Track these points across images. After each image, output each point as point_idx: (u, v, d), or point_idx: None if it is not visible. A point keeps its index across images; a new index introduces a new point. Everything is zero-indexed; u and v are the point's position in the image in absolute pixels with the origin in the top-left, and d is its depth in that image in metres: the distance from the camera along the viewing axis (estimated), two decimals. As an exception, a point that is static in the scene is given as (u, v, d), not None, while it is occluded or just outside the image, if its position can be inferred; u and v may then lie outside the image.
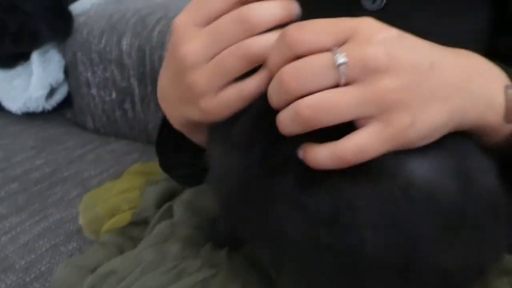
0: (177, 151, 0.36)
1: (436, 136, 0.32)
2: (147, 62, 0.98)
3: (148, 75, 0.99)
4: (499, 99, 0.35)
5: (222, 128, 0.36)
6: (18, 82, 1.05)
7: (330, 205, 0.31)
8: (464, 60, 0.35)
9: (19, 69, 1.07)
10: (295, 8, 0.34)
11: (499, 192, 0.34)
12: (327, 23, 0.31)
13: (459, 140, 0.35)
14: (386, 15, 0.45)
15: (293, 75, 0.30)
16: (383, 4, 0.45)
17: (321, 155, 0.30)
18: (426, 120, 0.31)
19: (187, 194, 0.56)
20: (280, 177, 0.33)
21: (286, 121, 0.31)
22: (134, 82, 1.01)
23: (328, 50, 0.30)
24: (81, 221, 0.67)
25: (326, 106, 0.29)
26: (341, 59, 0.29)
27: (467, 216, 0.33)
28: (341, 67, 0.29)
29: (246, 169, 0.34)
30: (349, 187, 0.31)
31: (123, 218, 0.61)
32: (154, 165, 0.66)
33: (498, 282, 0.41)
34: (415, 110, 0.30)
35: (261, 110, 0.34)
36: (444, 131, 0.32)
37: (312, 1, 0.52)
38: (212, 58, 0.34)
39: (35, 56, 1.04)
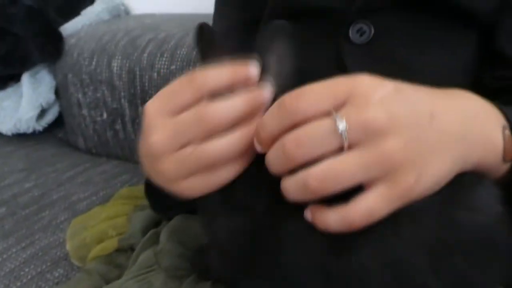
0: (166, 195, 0.36)
1: (442, 184, 0.32)
2: (138, 83, 0.98)
3: (139, 96, 0.99)
4: (498, 140, 0.35)
5: (219, 191, 0.35)
6: (8, 104, 1.06)
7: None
8: (461, 104, 0.35)
9: (9, 91, 1.07)
10: (263, 98, 0.33)
11: (496, 226, 0.34)
12: (324, 88, 0.31)
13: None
14: (372, 49, 0.46)
15: (295, 143, 0.30)
16: (370, 38, 0.46)
17: (331, 219, 0.30)
18: (431, 173, 0.31)
19: (173, 221, 0.56)
20: (285, 231, 0.33)
21: (293, 190, 0.31)
22: (124, 103, 1.02)
23: (327, 114, 0.30)
24: (68, 247, 0.66)
25: (333, 176, 0.29)
26: (341, 124, 0.29)
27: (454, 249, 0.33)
28: (343, 132, 0.29)
29: (252, 227, 0.35)
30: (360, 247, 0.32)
31: (110, 244, 0.60)
32: (143, 189, 0.65)
33: None
34: (420, 166, 0.30)
35: (258, 173, 0.34)
36: (448, 179, 0.32)
37: (301, 35, 0.52)
38: (178, 149, 0.33)
39: (25, 78, 1.05)
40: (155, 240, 0.54)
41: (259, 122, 0.32)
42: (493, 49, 0.47)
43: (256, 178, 0.35)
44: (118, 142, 1.06)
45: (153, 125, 0.34)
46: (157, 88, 0.95)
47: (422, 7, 0.45)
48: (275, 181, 0.32)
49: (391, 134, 0.29)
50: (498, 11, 0.45)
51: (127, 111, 1.01)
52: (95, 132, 1.08)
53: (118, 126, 1.04)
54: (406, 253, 0.32)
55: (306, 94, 0.30)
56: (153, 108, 0.35)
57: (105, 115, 1.05)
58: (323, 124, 0.30)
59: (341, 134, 0.29)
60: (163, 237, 0.52)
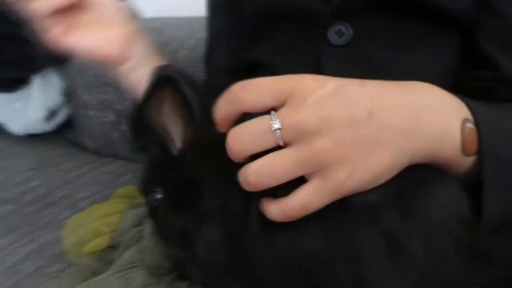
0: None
1: (382, 179, 0.33)
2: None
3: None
4: (455, 133, 0.35)
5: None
6: (19, 105, 1.09)
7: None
8: (413, 98, 0.35)
9: (20, 93, 1.11)
10: None
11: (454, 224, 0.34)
12: (269, 83, 0.33)
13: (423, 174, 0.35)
14: (350, 51, 0.46)
15: (236, 140, 0.32)
16: (348, 40, 0.46)
17: (272, 210, 0.33)
18: (365, 170, 0.32)
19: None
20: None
21: (242, 184, 0.33)
22: (130, 105, 1.04)
23: (268, 109, 0.32)
24: (65, 244, 0.69)
25: (267, 171, 0.31)
26: (276, 124, 0.31)
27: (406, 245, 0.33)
28: (277, 131, 0.31)
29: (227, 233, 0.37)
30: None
31: (103, 241, 0.62)
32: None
33: None
34: (352, 163, 0.31)
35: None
36: (390, 174, 0.33)
37: (281, 37, 0.53)
38: None
39: (34, 81, 1.08)
40: (140, 238, 0.55)
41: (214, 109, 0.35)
42: (472, 50, 0.46)
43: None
44: (124, 143, 1.08)
45: None
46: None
47: (401, 10, 0.45)
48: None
49: (321, 134, 0.31)
50: (476, 11, 0.45)
51: (132, 112, 1.04)
52: (102, 133, 1.10)
53: (124, 127, 1.06)
54: (364, 243, 0.33)
55: (251, 86, 0.33)
56: None
57: (111, 116, 1.07)
58: (260, 123, 0.32)
59: (275, 133, 0.31)
60: (147, 233, 0.54)
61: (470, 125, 0.36)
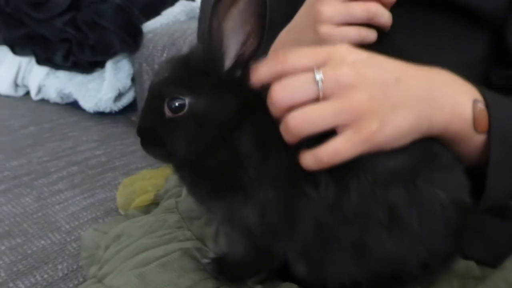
0: None
1: (406, 139, 0.37)
2: (198, 74, 1.11)
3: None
4: (467, 110, 0.40)
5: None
6: (93, 86, 1.24)
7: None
8: (431, 75, 0.40)
9: (95, 75, 1.25)
10: None
11: (451, 204, 0.39)
12: (309, 49, 0.38)
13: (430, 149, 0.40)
14: (381, 39, 0.50)
15: (280, 89, 0.37)
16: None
17: (307, 158, 0.37)
18: (393, 125, 0.36)
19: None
20: None
21: (282, 132, 0.37)
22: (186, 92, 1.15)
23: (309, 70, 0.37)
24: (117, 200, 0.79)
25: (308, 119, 0.36)
26: (318, 76, 0.36)
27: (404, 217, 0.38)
28: (319, 83, 0.36)
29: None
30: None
31: (147, 197, 0.72)
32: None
33: (448, 284, 0.45)
34: (383, 117, 0.36)
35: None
36: (413, 135, 0.38)
37: None
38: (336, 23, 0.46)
39: (108, 65, 1.22)
40: (179, 194, 0.64)
41: (257, 67, 0.39)
42: (501, 48, 0.48)
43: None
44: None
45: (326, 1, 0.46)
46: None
47: (432, 5, 0.49)
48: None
49: (357, 88, 0.36)
50: (507, 9, 0.47)
51: (187, 99, 1.14)
52: (161, 116, 1.22)
53: (179, 112, 1.17)
54: (372, 209, 0.38)
55: (295, 51, 0.38)
56: None
57: (169, 101, 1.18)
58: (304, 75, 0.36)
59: (317, 84, 0.36)
60: (184, 191, 0.62)
61: (481, 105, 0.40)
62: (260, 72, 0.38)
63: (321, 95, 0.36)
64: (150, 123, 0.42)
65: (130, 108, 1.29)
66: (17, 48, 1.35)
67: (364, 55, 0.38)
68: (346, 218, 0.38)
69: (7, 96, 1.39)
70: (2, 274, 0.65)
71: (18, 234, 0.74)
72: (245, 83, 0.39)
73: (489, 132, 0.40)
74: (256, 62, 0.39)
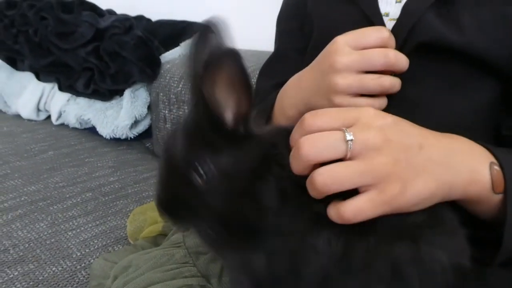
0: None
1: (425, 204, 0.38)
2: (212, 105, 1.14)
3: (212, 117, 1.14)
4: (485, 174, 0.41)
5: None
6: (111, 113, 1.28)
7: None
8: (449, 141, 0.42)
9: (113, 102, 1.30)
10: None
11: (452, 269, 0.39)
12: (337, 111, 0.40)
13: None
14: (393, 98, 0.51)
15: (309, 144, 0.37)
16: None
17: (331, 211, 0.38)
18: (415, 190, 0.38)
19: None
20: None
21: (308, 187, 0.38)
22: (200, 122, 1.18)
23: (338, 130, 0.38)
24: (127, 229, 0.82)
25: (334, 176, 0.37)
26: (349, 136, 0.37)
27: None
28: (349, 142, 0.37)
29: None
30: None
31: (156, 228, 0.74)
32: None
33: None
34: (405, 182, 0.37)
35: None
36: (433, 200, 0.39)
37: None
38: (358, 72, 0.47)
39: (126, 93, 1.27)
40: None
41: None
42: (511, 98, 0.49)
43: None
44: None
45: (341, 50, 0.47)
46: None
47: (440, 54, 0.49)
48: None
49: (383, 152, 0.37)
50: None
51: (201, 129, 1.17)
52: (175, 144, 1.25)
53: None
54: (373, 258, 0.38)
55: (323, 114, 0.39)
56: (344, 39, 0.48)
57: (183, 131, 1.22)
58: (334, 134, 0.38)
59: (347, 144, 0.37)
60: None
61: (496, 167, 0.41)
62: (291, 140, 0.40)
63: (348, 155, 0.37)
64: (180, 196, 0.40)
65: (145, 134, 1.33)
66: (41, 75, 1.41)
67: (389, 119, 0.40)
68: (350, 270, 0.39)
69: (29, 120, 1.45)
70: (14, 300, 0.67)
71: (31, 260, 0.76)
72: (253, 136, 0.40)
73: (505, 192, 0.41)
74: (255, 116, 0.40)
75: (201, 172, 0.39)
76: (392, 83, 0.48)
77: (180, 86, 1.21)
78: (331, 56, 0.48)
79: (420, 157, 0.38)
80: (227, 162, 0.39)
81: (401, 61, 0.47)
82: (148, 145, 1.36)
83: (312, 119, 0.39)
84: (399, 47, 0.49)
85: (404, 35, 0.49)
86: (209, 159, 0.39)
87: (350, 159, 0.37)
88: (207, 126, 0.39)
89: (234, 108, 0.39)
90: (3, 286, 0.70)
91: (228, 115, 0.39)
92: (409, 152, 0.38)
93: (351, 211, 0.37)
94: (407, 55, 0.49)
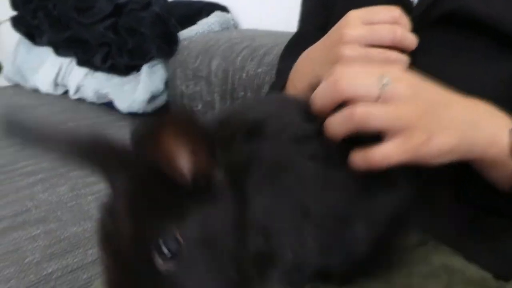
0: None
1: (446, 158, 0.40)
2: (229, 81, 1.15)
3: (229, 92, 1.15)
4: (504, 138, 0.42)
5: None
6: (128, 88, 1.29)
7: None
8: (473, 104, 0.43)
9: (130, 77, 1.31)
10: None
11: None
12: (369, 65, 0.42)
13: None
14: (415, 64, 0.51)
15: (348, 78, 0.39)
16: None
17: (358, 158, 0.39)
18: (439, 142, 0.39)
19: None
20: None
21: (337, 123, 0.39)
22: (217, 97, 1.19)
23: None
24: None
25: (374, 114, 0.38)
26: (385, 80, 0.38)
27: None
28: (384, 87, 0.38)
29: None
30: None
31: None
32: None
33: (430, 283, 0.46)
34: (431, 133, 0.39)
35: None
36: (453, 155, 0.40)
37: None
38: (365, 46, 0.47)
39: (144, 69, 1.28)
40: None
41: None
42: None
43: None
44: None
45: (352, 23, 0.48)
46: (244, 87, 1.11)
47: (462, 26, 0.50)
48: None
49: (412, 103, 0.39)
50: None
51: (218, 104, 1.18)
52: (190, 120, 1.26)
53: (209, 117, 1.21)
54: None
55: (356, 64, 0.42)
56: (356, 14, 0.49)
57: (200, 106, 1.23)
58: (371, 75, 0.39)
59: (382, 87, 0.38)
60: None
61: None
62: (318, 104, 0.40)
63: (381, 98, 0.38)
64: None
65: (162, 110, 1.35)
66: (60, 50, 1.43)
67: (417, 77, 0.41)
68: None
69: (47, 94, 1.47)
70: (37, 255, 0.69)
71: (52, 220, 0.78)
72: (219, 189, 0.33)
73: None
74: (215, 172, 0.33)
75: (165, 250, 0.30)
76: (398, 59, 0.48)
77: (197, 62, 1.22)
78: (341, 29, 0.49)
79: (446, 113, 0.40)
80: (198, 225, 0.31)
81: (409, 39, 0.48)
82: (163, 121, 1.37)
83: (345, 65, 0.40)
84: (423, 15, 0.50)
85: (431, 1, 0.50)
86: (173, 228, 0.30)
87: (382, 102, 0.38)
88: (157, 188, 0.31)
89: (190, 162, 0.31)
90: (26, 242, 0.72)
91: (183, 170, 0.31)
92: (436, 107, 0.40)
93: (379, 155, 0.38)
94: (430, 24, 0.49)
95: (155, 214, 0.31)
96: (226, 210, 0.33)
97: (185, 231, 0.30)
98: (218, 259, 0.32)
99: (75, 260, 0.69)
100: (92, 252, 0.71)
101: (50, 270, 0.66)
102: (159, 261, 0.30)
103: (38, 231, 0.75)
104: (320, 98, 0.40)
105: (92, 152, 0.34)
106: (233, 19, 1.47)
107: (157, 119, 0.30)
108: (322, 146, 0.39)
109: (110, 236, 0.32)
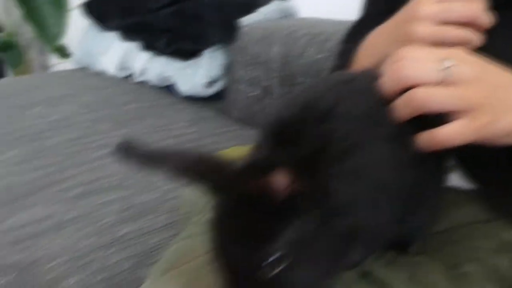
0: None
1: (509, 139, 0.40)
2: (288, 67, 1.17)
3: (288, 78, 1.18)
4: None
5: None
6: (189, 71, 1.35)
7: None
8: None
9: (192, 62, 1.37)
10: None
11: None
12: (430, 48, 0.42)
13: None
14: (480, 50, 0.51)
15: (410, 64, 0.40)
16: None
17: (423, 139, 0.40)
18: (504, 122, 0.40)
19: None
20: None
21: (401, 105, 0.40)
22: (275, 83, 1.21)
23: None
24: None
25: (434, 95, 0.39)
26: (447, 63, 0.39)
27: None
28: (446, 70, 0.39)
29: None
30: None
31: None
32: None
33: (498, 257, 0.46)
34: (495, 114, 0.39)
35: None
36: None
37: None
38: (438, 24, 0.47)
39: (205, 54, 1.33)
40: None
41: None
42: None
43: None
44: (264, 116, 1.26)
45: (425, 2, 0.48)
46: (303, 73, 1.13)
47: None
48: None
49: (476, 85, 0.39)
50: None
51: (276, 90, 1.21)
52: (246, 105, 1.30)
53: (266, 102, 1.24)
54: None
55: (418, 47, 0.42)
56: None
57: (257, 92, 1.26)
58: (433, 59, 0.40)
59: (445, 71, 0.39)
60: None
61: None
62: (384, 86, 0.41)
63: (445, 81, 0.39)
64: None
65: (218, 96, 1.39)
66: (126, 35, 1.51)
67: (481, 59, 0.41)
68: None
69: (112, 77, 1.56)
70: (111, 218, 0.75)
71: (124, 187, 0.84)
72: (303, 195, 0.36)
73: None
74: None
75: (270, 259, 0.34)
76: (472, 37, 0.47)
77: (257, 48, 1.26)
78: (414, 6, 0.49)
79: (509, 95, 0.40)
80: (295, 231, 0.35)
81: (484, 17, 0.47)
82: (220, 106, 1.42)
83: (407, 50, 0.41)
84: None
85: None
86: (275, 239, 0.34)
87: (446, 85, 0.39)
88: (256, 205, 0.35)
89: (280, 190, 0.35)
90: (101, 206, 0.78)
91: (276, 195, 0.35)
92: (499, 89, 0.40)
93: (443, 135, 0.39)
94: (497, 9, 0.48)
95: (257, 228, 0.35)
96: (312, 206, 0.36)
97: (285, 239, 0.34)
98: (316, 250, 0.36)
99: (145, 225, 0.74)
100: (161, 219, 0.76)
101: (124, 232, 0.72)
102: (267, 269, 0.34)
103: (111, 197, 0.81)
104: (385, 83, 0.41)
105: (201, 173, 0.37)
106: (292, 7, 1.49)
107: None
108: (393, 127, 0.41)
109: (220, 250, 0.37)
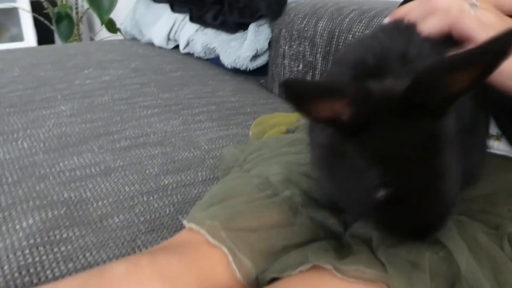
0: None
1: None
2: (334, 42, 1.17)
3: (333, 53, 1.17)
4: None
5: None
6: (234, 44, 1.37)
7: None
8: None
9: (238, 35, 1.38)
10: None
11: None
12: None
13: None
14: None
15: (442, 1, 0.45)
16: None
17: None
18: None
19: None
20: None
21: (435, 20, 0.45)
22: (319, 58, 1.21)
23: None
24: (251, 131, 0.89)
25: (465, 17, 0.44)
26: (475, 1, 0.44)
27: None
28: (473, 7, 0.44)
29: None
30: None
31: (280, 130, 0.80)
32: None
33: None
34: None
35: None
36: None
37: None
38: None
39: (251, 27, 1.34)
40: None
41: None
42: None
43: None
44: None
45: None
46: (348, 48, 1.12)
47: None
48: None
49: (496, 27, 0.43)
50: None
51: (320, 65, 1.21)
52: (289, 80, 1.30)
53: (309, 77, 1.25)
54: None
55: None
56: None
57: (301, 66, 1.27)
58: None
59: (471, 7, 0.44)
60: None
61: None
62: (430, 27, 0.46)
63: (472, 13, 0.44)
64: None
65: (261, 71, 1.40)
66: (175, 6, 1.54)
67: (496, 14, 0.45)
68: None
69: (160, 47, 1.60)
70: (156, 169, 0.78)
71: (167, 144, 0.87)
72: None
73: None
74: None
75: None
76: None
77: (304, 22, 1.26)
78: None
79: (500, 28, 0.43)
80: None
81: None
82: (262, 81, 1.43)
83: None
84: None
85: None
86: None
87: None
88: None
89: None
90: (146, 158, 0.82)
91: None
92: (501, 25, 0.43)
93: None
94: None
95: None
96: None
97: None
98: None
99: (186, 178, 0.77)
100: (202, 174, 0.78)
101: (166, 182, 0.75)
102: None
103: (156, 151, 0.84)
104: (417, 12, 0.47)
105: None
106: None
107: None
108: None
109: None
